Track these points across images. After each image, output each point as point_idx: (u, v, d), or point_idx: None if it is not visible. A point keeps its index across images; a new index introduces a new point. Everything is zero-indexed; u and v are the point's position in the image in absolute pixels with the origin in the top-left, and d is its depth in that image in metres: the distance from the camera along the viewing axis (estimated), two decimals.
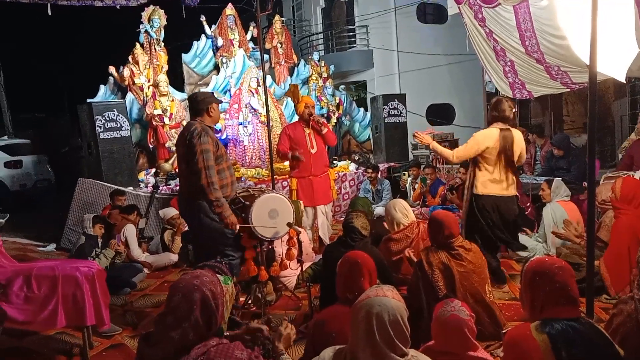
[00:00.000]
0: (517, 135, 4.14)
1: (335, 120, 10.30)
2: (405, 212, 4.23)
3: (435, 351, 2.12)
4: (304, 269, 4.53)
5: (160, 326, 1.74)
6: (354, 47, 14.97)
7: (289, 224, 3.81)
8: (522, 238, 4.77)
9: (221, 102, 4.03)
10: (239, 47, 9.72)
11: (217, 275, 1.87)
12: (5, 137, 12.57)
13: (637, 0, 4.12)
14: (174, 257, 5.84)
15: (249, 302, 4.07)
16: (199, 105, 3.70)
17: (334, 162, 9.45)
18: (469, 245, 3.25)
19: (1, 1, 6.99)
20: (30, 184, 11.10)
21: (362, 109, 11.36)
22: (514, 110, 4.26)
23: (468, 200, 4.24)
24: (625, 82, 6.67)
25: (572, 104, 9.89)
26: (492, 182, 4.08)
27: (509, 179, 4.11)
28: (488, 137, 4.07)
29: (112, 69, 8.62)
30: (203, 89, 9.34)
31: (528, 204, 5.78)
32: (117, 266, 5.29)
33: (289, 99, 9.90)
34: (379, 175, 8.19)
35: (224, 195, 3.60)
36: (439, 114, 14.91)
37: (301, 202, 5.25)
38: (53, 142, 14.39)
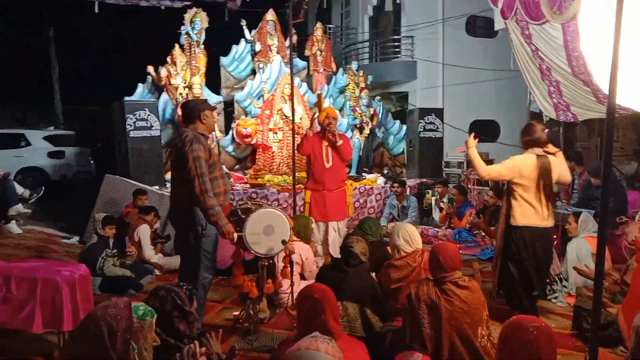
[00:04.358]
0: (554, 161, 3.93)
1: (368, 132, 10.07)
2: (408, 239, 3.98)
3: None
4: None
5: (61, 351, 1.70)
6: (398, 57, 14.67)
7: (283, 242, 3.67)
8: None
9: (214, 108, 3.93)
10: (277, 53, 9.69)
11: (142, 307, 1.76)
12: (52, 127, 13.04)
13: None
14: None
15: (241, 318, 3.96)
16: (191, 112, 3.61)
17: (364, 174, 9.24)
18: (466, 282, 2.99)
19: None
20: (70, 174, 11.42)
21: (397, 122, 11.06)
22: (546, 131, 4.04)
23: (502, 233, 4.02)
24: None
25: (622, 129, 9.26)
26: (532, 212, 3.88)
27: (547, 208, 3.91)
28: (525, 163, 3.88)
29: (150, 69, 8.77)
30: (238, 93, 9.38)
31: (554, 237, 5.39)
32: (126, 266, 5.31)
33: None
34: (407, 192, 7.93)
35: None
36: (483, 130, 14.39)
37: (312, 218, 5.08)
38: (96, 135, 14.87)
